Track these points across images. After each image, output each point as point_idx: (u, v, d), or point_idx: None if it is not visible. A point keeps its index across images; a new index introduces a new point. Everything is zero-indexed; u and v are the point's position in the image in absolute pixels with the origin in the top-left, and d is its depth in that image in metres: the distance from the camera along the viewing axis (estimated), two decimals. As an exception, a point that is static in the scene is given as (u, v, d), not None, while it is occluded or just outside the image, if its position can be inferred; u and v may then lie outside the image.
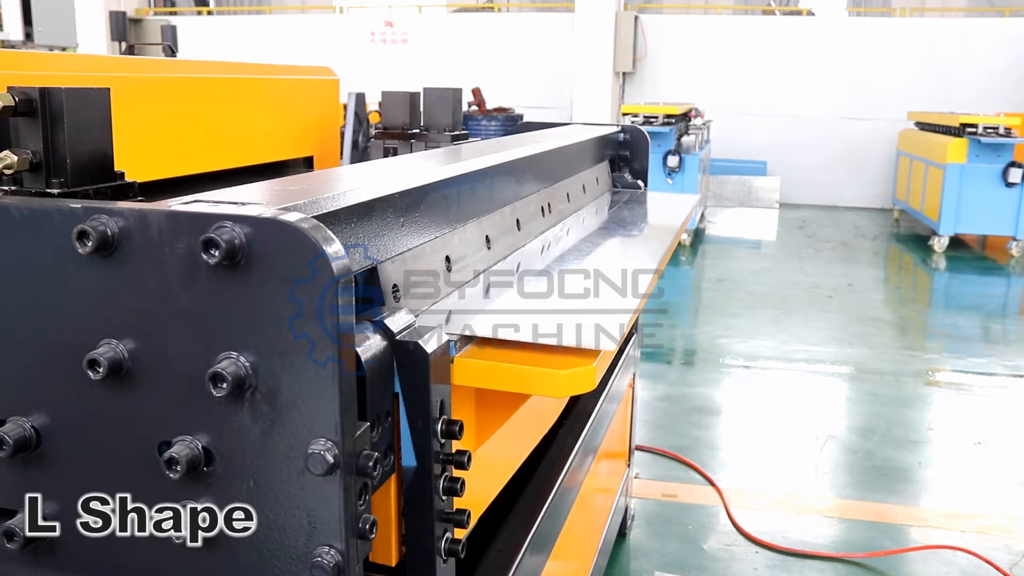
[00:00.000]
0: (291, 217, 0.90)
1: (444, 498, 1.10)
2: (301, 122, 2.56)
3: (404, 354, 1.05)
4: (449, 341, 1.12)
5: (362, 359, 0.98)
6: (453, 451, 1.11)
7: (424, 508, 1.09)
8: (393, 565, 1.12)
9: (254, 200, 1.00)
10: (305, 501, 0.94)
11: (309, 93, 2.62)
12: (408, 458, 1.08)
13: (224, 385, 0.90)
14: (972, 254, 8.72)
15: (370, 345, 1.02)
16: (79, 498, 1.02)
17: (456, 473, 1.12)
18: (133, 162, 1.63)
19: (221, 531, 0.97)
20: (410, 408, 1.07)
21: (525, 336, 1.19)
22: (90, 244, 0.92)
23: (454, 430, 1.09)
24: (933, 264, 8.23)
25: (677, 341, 5.49)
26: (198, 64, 2.23)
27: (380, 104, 2.86)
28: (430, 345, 1.06)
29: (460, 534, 1.15)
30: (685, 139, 8.70)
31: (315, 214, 1.04)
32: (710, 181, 10.88)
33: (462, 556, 1.14)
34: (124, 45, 10.89)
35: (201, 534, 0.97)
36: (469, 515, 1.14)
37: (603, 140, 2.67)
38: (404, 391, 1.07)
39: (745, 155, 11.89)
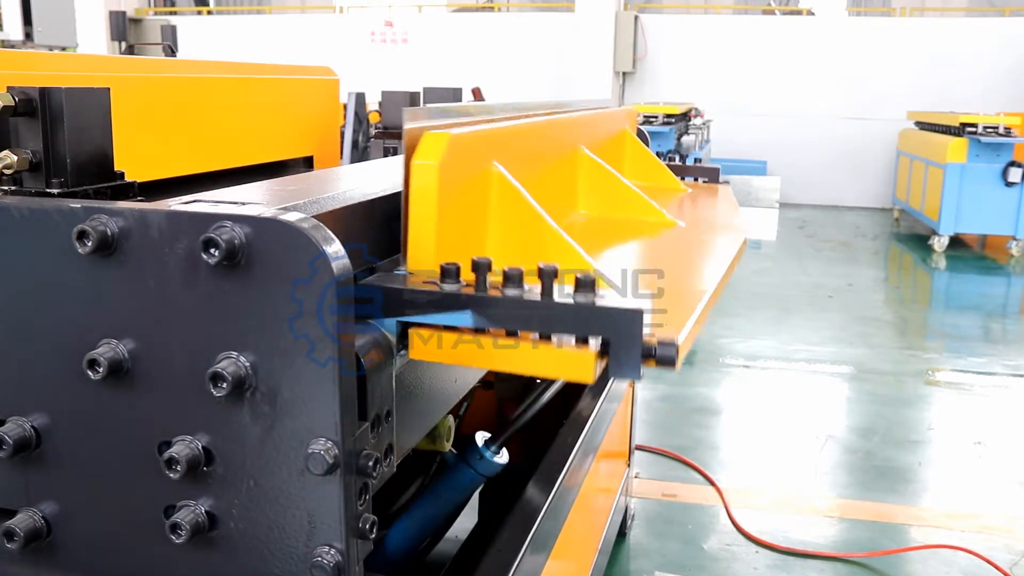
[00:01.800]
0: (291, 217, 0.90)
1: (526, 289, 0.98)
2: (301, 122, 2.56)
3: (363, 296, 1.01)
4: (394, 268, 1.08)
5: (362, 359, 0.98)
6: (473, 271, 1.00)
7: (518, 311, 0.97)
8: (594, 357, 0.97)
9: (254, 200, 1.00)
10: (305, 501, 0.94)
11: (309, 93, 2.62)
12: (467, 321, 0.98)
13: (224, 385, 0.90)
14: (972, 254, 8.72)
15: (370, 344, 1.02)
16: (79, 498, 1.02)
17: (494, 276, 1.00)
18: (133, 162, 1.62)
19: (221, 531, 0.97)
20: (413, 309, 1.00)
21: None
22: (90, 244, 0.92)
23: (450, 269, 1.00)
24: (933, 264, 8.23)
25: (677, 341, 5.48)
26: (198, 64, 2.23)
27: (380, 104, 2.87)
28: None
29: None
30: (685, 139, 8.70)
31: (314, 213, 1.04)
32: (710, 181, 10.87)
33: (596, 283, 0.98)
34: (124, 45, 10.89)
35: (201, 534, 0.97)
36: (586, 276, 0.97)
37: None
38: (402, 311, 1.01)
39: (745, 155, 11.89)
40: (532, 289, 0.98)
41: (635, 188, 1.82)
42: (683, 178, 2.42)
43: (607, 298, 0.97)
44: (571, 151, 1.81)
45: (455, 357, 1.01)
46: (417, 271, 1.07)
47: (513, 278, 0.98)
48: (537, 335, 0.99)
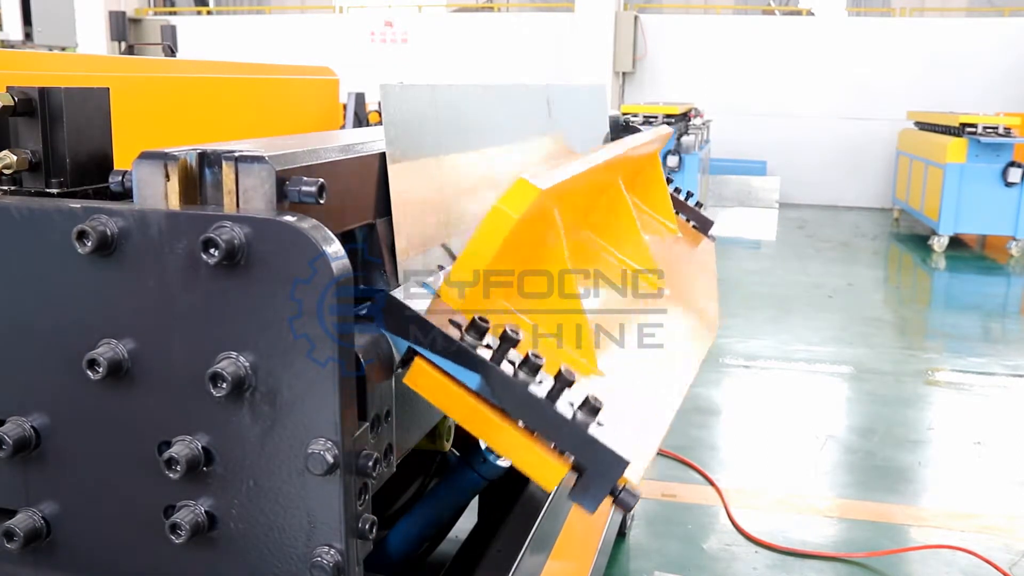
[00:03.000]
0: (291, 217, 0.90)
1: (537, 380, 1.00)
2: (301, 122, 2.56)
3: (388, 312, 1.02)
4: (423, 282, 1.10)
5: (362, 359, 0.98)
6: (500, 340, 1.00)
7: (520, 398, 0.98)
8: (565, 473, 1.01)
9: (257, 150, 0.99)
10: (305, 501, 0.94)
11: (309, 93, 2.62)
12: (470, 381, 0.99)
13: (224, 385, 0.90)
14: (972, 254, 8.72)
15: (370, 345, 1.02)
16: (79, 498, 1.02)
17: (519, 351, 1.01)
18: (133, 162, 1.62)
19: (221, 531, 0.97)
20: (429, 345, 1.00)
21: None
22: (90, 244, 0.92)
23: (481, 327, 1.00)
24: (933, 264, 8.23)
25: (677, 341, 5.48)
26: (198, 64, 2.23)
27: (380, 104, 2.86)
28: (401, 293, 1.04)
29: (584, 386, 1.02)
30: (685, 139, 8.70)
31: (315, 162, 1.04)
32: (710, 181, 10.88)
33: (600, 411, 1.00)
34: (124, 45, 10.89)
35: (201, 534, 0.97)
36: (596, 401, 1.00)
37: (603, 140, 2.66)
38: (417, 340, 1.01)
39: (745, 155, 11.89)
40: (543, 382, 1.00)
41: (645, 236, 1.86)
42: (678, 212, 2.44)
43: (603, 430, 0.99)
44: (609, 182, 1.84)
45: (443, 402, 1.03)
46: (450, 295, 1.08)
47: (531, 366, 1.00)
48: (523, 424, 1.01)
